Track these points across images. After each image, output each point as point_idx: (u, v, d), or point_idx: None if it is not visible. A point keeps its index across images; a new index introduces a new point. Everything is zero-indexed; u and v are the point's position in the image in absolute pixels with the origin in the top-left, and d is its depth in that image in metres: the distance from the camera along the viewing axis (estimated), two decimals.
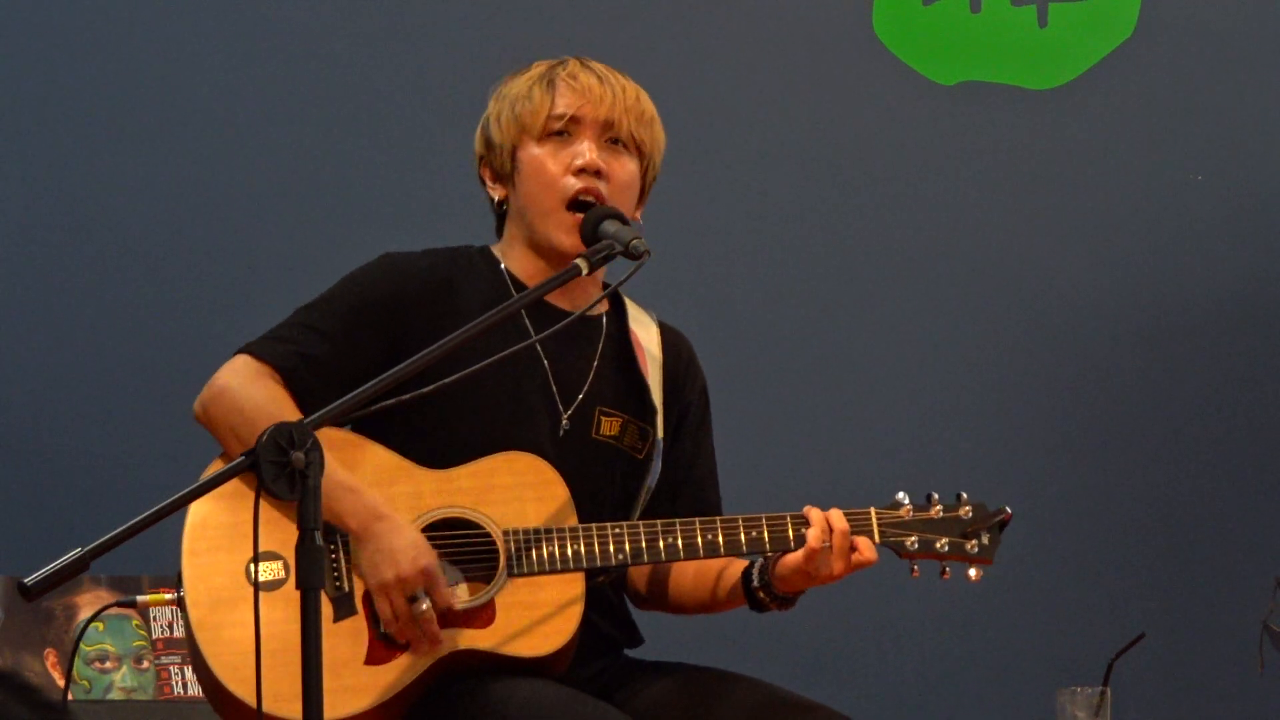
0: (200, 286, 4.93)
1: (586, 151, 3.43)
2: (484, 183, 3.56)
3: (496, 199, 3.53)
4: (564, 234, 3.43)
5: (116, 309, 4.93)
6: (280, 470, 2.76)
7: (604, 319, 3.55)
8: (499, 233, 3.57)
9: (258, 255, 4.94)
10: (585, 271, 3.27)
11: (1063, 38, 5.06)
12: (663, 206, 3.59)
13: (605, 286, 3.50)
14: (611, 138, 3.47)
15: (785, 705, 3.34)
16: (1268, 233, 5.03)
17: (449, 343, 3.10)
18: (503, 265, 3.51)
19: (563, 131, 3.45)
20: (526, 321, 3.44)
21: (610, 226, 3.35)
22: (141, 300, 4.93)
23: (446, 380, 3.08)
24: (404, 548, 3.24)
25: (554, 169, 3.44)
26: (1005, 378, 5.03)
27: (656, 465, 3.50)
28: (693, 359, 3.63)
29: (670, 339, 3.61)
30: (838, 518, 3.34)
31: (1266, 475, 4.98)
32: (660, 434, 3.51)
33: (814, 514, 3.35)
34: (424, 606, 3.23)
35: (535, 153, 3.46)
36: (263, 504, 2.82)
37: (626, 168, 3.47)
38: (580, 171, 3.43)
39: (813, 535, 3.32)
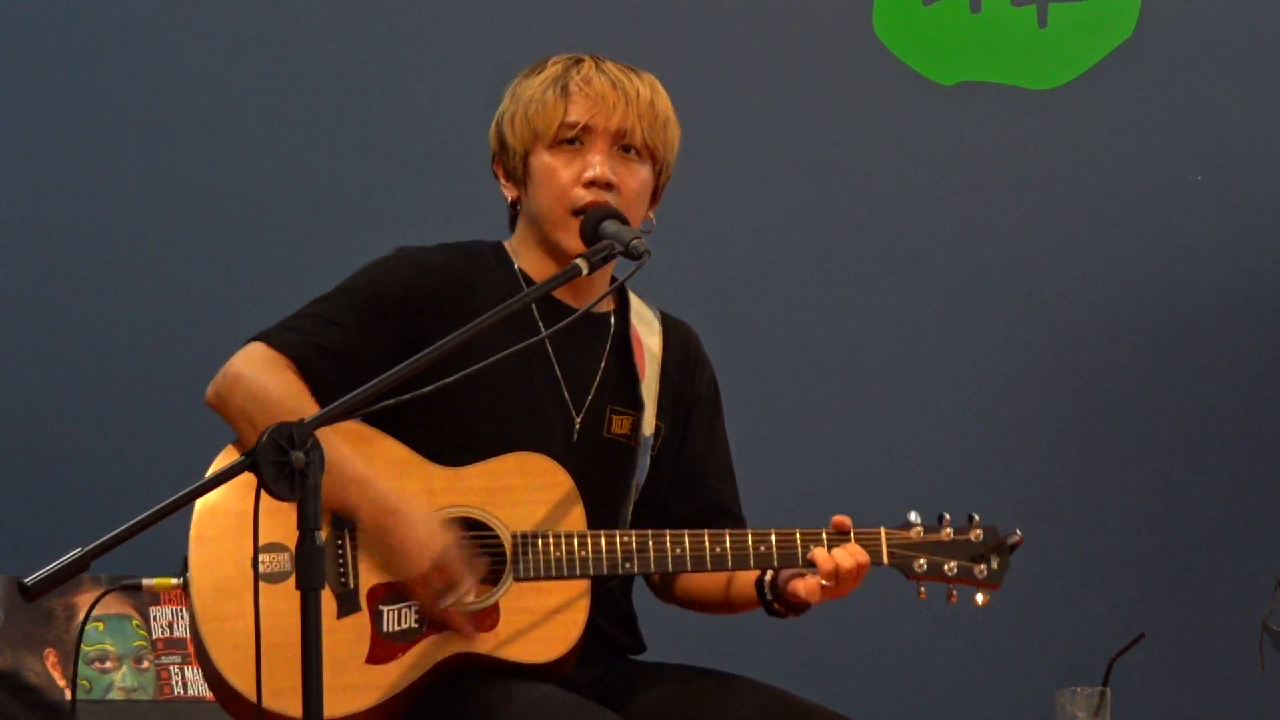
0: (201, 285, 4.93)
1: (597, 164, 3.41)
2: (497, 177, 3.55)
3: (509, 198, 3.53)
4: (574, 241, 3.41)
5: (117, 308, 4.92)
6: (280, 471, 2.76)
7: (612, 317, 3.54)
8: (512, 227, 3.55)
9: (259, 254, 4.94)
10: (585, 271, 3.27)
11: (1063, 38, 5.07)
12: (662, 208, 3.59)
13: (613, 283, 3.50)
14: (624, 145, 3.45)
15: (788, 708, 3.35)
16: (1268, 233, 5.03)
17: (454, 339, 3.09)
18: (515, 265, 3.50)
19: (574, 139, 3.44)
20: (539, 320, 3.43)
21: (610, 226, 3.34)
22: (142, 299, 4.93)
23: (448, 379, 3.06)
24: (417, 547, 3.23)
25: (564, 179, 3.43)
26: (1004, 377, 5.03)
27: (644, 462, 3.49)
28: (699, 349, 3.62)
29: (673, 333, 3.60)
30: (844, 556, 3.33)
31: (1266, 475, 4.98)
32: (648, 431, 3.50)
33: (820, 559, 3.33)
34: (447, 602, 3.23)
35: (546, 161, 3.44)
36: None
37: (638, 176, 3.46)
38: (590, 184, 3.42)
39: (806, 587, 3.33)
